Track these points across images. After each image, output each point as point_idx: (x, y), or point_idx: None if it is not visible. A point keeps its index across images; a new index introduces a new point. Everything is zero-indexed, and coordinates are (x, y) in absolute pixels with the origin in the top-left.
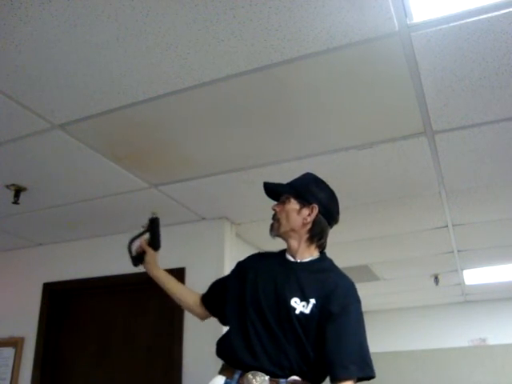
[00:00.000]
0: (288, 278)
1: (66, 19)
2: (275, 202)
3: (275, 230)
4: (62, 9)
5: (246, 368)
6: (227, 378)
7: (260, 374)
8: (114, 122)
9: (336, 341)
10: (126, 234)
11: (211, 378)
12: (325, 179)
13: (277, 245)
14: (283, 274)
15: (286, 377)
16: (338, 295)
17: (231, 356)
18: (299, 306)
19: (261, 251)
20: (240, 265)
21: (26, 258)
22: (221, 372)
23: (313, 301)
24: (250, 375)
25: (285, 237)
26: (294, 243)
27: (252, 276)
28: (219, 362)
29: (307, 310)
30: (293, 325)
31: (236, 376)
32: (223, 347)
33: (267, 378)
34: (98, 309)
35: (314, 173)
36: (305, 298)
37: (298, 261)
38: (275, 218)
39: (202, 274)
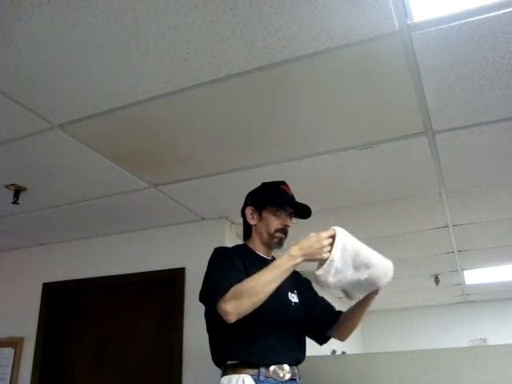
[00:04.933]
0: None
1: (66, 19)
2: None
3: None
4: (61, 9)
5: (270, 364)
6: (253, 376)
7: (282, 365)
8: (114, 122)
9: (322, 300)
10: (126, 234)
11: (211, 378)
12: (325, 179)
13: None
14: None
15: (297, 364)
16: (299, 277)
17: (258, 355)
18: (293, 298)
19: (226, 247)
20: (238, 260)
21: (26, 257)
22: (240, 371)
23: (295, 291)
24: (275, 368)
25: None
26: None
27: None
28: None
29: (296, 300)
30: (294, 316)
31: (262, 370)
32: (248, 348)
33: (288, 367)
34: (97, 309)
35: (313, 172)
36: (292, 290)
37: (270, 258)
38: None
39: (201, 274)
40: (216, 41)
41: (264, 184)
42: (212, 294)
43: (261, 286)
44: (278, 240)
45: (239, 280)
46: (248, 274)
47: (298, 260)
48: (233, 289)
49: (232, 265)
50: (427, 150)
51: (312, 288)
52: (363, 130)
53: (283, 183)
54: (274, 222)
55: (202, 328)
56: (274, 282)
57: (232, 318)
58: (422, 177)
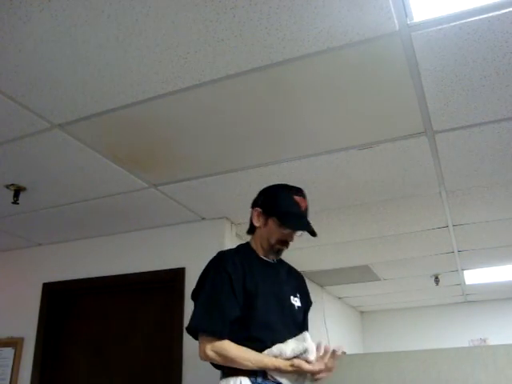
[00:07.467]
0: (279, 278)
1: (66, 19)
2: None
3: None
4: (61, 9)
5: None
6: (250, 377)
7: None
8: (113, 122)
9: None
10: (126, 234)
11: (211, 378)
12: (325, 179)
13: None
14: (274, 275)
15: None
16: (305, 285)
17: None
18: (295, 301)
19: (226, 251)
20: (232, 273)
21: (26, 258)
22: (238, 373)
23: (298, 294)
24: None
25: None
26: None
27: (252, 284)
28: None
29: (299, 303)
30: (295, 319)
31: (260, 373)
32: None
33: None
34: (97, 309)
35: (313, 172)
36: (294, 294)
37: (275, 261)
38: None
39: None
40: (216, 41)
41: (279, 188)
42: (200, 325)
43: (247, 363)
44: (276, 251)
45: (231, 315)
46: (245, 282)
47: (290, 370)
48: (224, 348)
49: (227, 291)
50: (427, 150)
51: (307, 312)
52: (363, 130)
53: (298, 192)
54: (277, 234)
55: None
56: (258, 368)
57: (203, 360)
58: (422, 177)
